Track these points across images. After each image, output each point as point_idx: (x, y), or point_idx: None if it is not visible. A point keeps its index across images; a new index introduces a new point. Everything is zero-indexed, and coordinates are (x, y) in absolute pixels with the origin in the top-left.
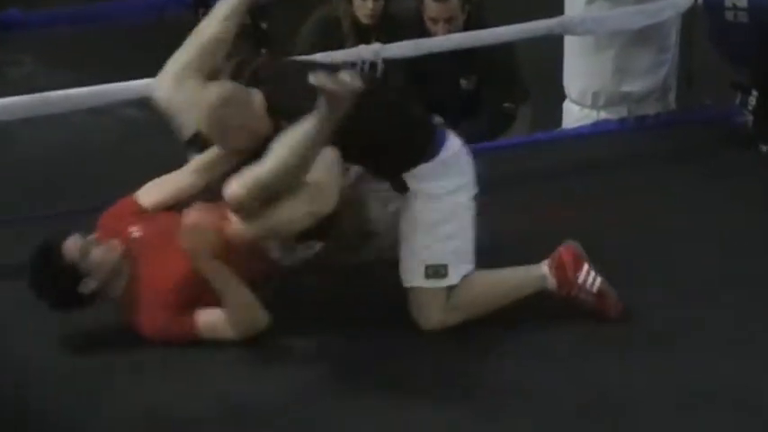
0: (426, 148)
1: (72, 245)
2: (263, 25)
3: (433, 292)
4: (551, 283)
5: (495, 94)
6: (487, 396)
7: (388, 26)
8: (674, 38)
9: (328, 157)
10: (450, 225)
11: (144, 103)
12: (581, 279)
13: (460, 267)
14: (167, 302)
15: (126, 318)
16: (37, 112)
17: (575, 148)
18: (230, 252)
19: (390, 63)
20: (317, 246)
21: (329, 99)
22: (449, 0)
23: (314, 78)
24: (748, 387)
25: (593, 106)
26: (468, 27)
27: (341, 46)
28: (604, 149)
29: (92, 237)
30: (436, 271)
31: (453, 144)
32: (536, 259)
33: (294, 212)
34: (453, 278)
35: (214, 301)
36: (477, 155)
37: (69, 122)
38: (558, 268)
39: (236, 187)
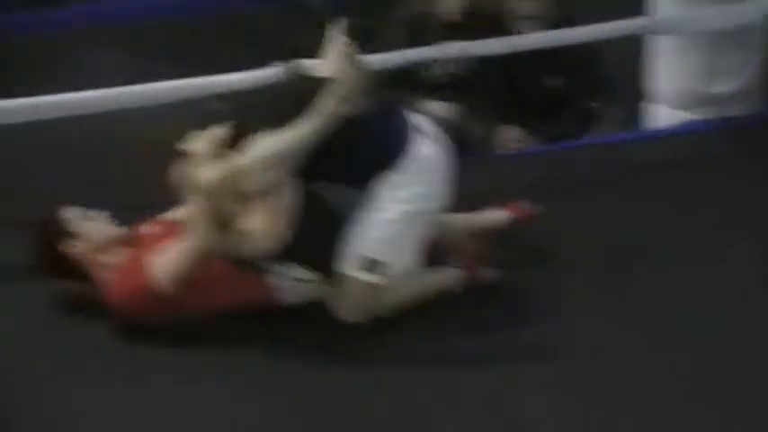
0: (392, 156)
1: (76, 209)
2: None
3: (365, 285)
4: (461, 281)
5: (582, 93)
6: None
7: (474, 24)
8: (761, 39)
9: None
10: (403, 226)
11: (223, 97)
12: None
13: (397, 267)
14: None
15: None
16: (118, 106)
17: (658, 148)
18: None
19: (476, 60)
20: (314, 283)
21: (341, 82)
22: None
23: (333, 42)
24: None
25: (679, 107)
26: (556, 25)
27: (427, 43)
28: (688, 150)
29: (107, 213)
30: (373, 266)
31: (420, 146)
32: (613, 257)
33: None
34: (386, 277)
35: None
36: (561, 154)
37: (142, 115)
38: (469, 270)
39: (208, 169)
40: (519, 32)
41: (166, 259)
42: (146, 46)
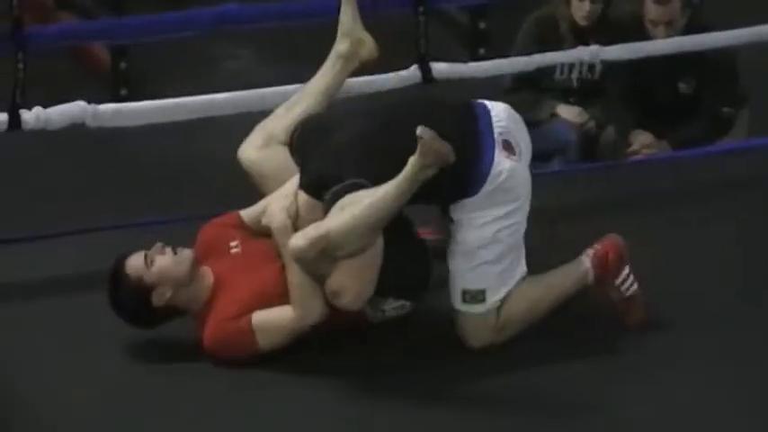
0: (468, 183)
1: (135, 260)
2: (482, 25)
3: (476, 315)
4: (590, 279)
5: (715, 98)
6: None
7: (606, 29)
8: None
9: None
10: (491, 251)
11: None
12: (618, 281)
13: (501, 290)
14: (233, 313)
15: (198, 335)
16: (253, 108)
17: None
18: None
19: (609, 65)
20: (409, 306)
21: (426, 158)
22: (670, 3)
23: (421, 131)
24: None
25: None
26: (688, 30)
27: (558, 47)
28: None
29: (158, 245)
30: (473, 297)
31: (500, 169)
32: (737, 272)
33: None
34: (492, 302)
35: None
36: (692, 159)
37: None
38: (600, 267)
39: (299, 238)
40: (651, 37)
41: (271, 329)
42: (284, 47)
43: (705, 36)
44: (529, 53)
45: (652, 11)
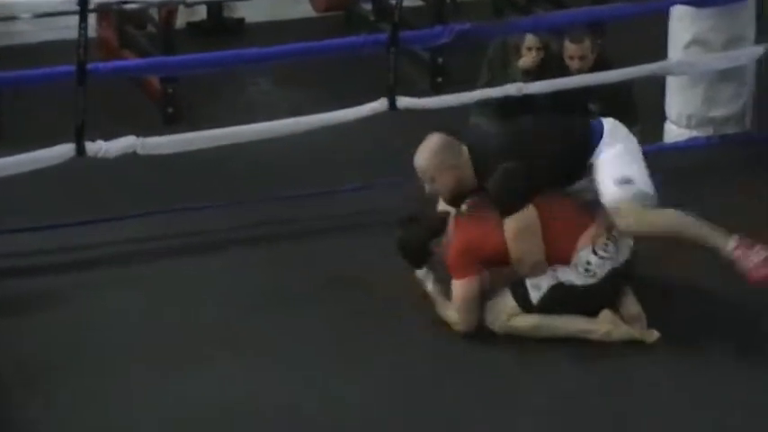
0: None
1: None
2: (440, 60)
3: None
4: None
5: (615, 116)
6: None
7: (542, 65)
8: (749, 76)
9: None
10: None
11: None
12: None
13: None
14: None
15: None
16: (264, 136)
17: (673, 157)
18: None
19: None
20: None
21: None
22: (582, 42)
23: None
24: None
25: (687, 126)
26: (596, 64)
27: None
28: (695, 159)
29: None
30: (626, 180)
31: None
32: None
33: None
34: (638, 186)
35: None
36: None
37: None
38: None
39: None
40: (569, 68)
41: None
42: (294, 76)
43: (605, 73)
44: (495, 64)
45: (570, 48)
